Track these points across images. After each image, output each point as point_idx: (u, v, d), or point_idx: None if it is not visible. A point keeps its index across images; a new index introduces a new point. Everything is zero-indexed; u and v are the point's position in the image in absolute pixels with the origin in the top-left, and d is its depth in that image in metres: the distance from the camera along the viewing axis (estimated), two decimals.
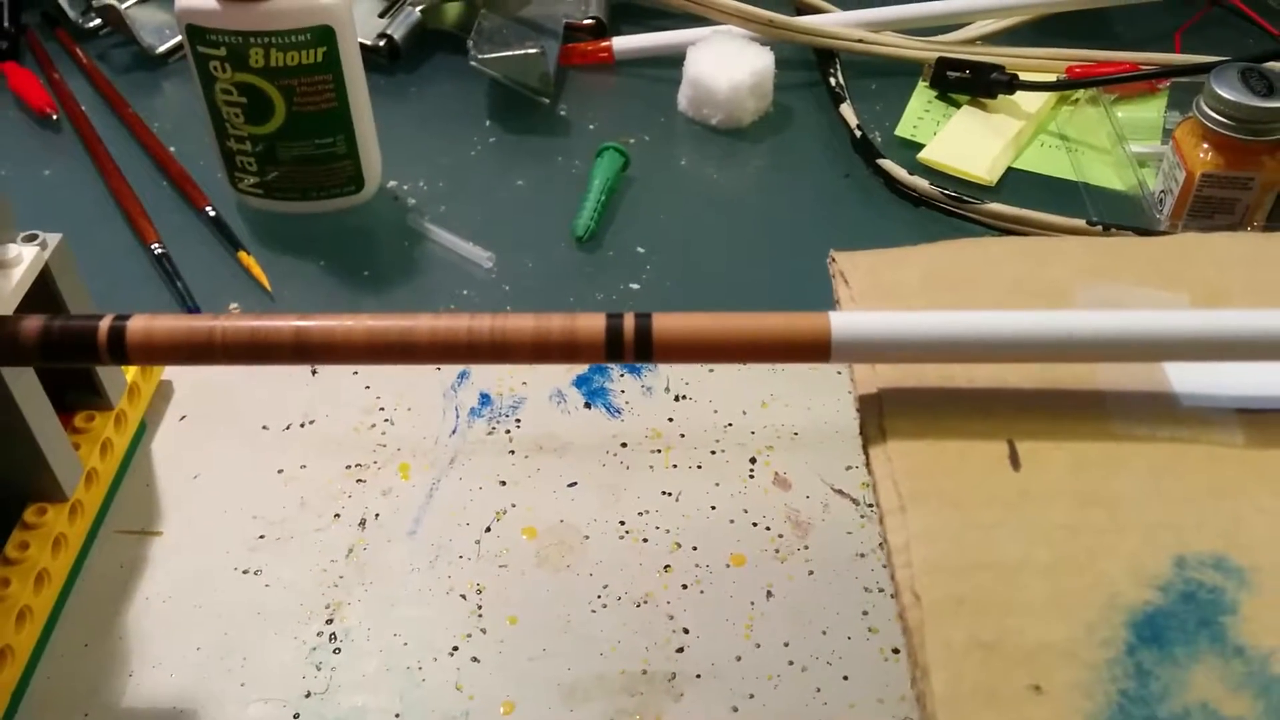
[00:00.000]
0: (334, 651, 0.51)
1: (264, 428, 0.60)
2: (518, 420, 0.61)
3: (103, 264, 0.70)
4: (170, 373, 0.62)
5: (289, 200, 0.73)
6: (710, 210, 0.76)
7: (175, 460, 0.59)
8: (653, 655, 0.51)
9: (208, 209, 0.73)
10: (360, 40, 0.84)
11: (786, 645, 0.51)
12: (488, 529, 0.55)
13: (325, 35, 0.66)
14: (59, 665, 0.50)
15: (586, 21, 0.89)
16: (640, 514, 0.56)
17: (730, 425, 0.60)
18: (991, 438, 0.42)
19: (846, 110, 0.81)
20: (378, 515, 0.56)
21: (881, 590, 0.53)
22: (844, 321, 0.42)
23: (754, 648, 0.51)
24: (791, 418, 0.60)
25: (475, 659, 0.51)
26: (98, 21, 0.90)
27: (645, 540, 0.55)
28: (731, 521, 0.56)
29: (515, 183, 0.78)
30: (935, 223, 0.73)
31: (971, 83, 0.81)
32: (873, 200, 0.76)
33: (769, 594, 0.53)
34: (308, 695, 0.49)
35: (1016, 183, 0.77)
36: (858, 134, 0.79)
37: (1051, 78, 0.81)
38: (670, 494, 0.57)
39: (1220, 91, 0.65)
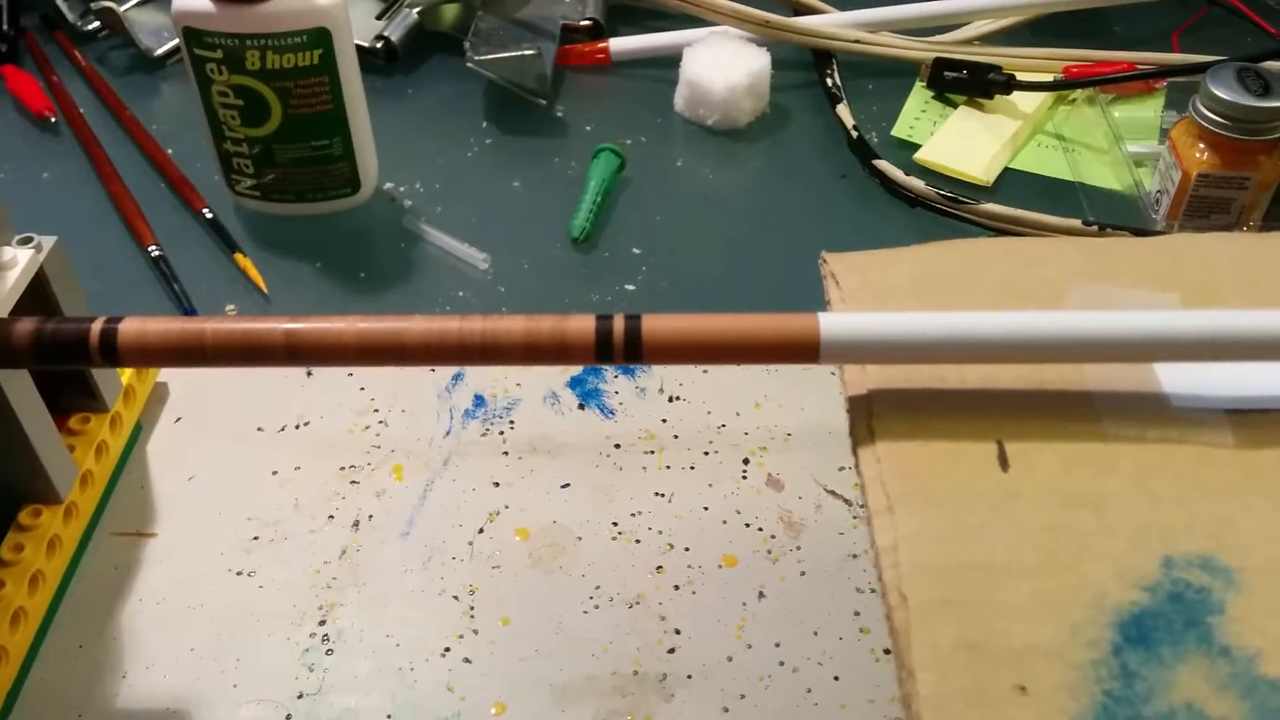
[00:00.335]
0: (326, 653, 0.51)
1: (259, 429, 0.60)
2: (511, 422, 0.61)
3: (101, 266, 0.70)
4: (166, 375, 0.62)
5: (286, 202, 0.73)
6: (706, 211, 0.76)
7: (170, 462, 0.59)
8: (644, 656, 0.51)
9: (205, 211, 0.73)
10: (358, 42, 0.84)
11: (778, 646, 0.51)
12: (481, 530, 0.56)
13: (321, 37, 0.66)
14: (53, 666, 0.51)
15: (584, 23, 0.89)
16: (633, 515, 0.56)
17: (724, 426, 0.60)
18: (980, 438, 0.42)
19: (843, 111, 0.81)
20: (371, 516, 0.56)
21: (873, 591, 0.53)
22: (833, 323, 0.42)
23: (745, 648, 0.51)
24: (785, 419, 0.61)
25: (467, 660, 0.51)
26: (96, 24, 0.90)
27: (638, 541, 0.55)
28: (724, 522, 0.56)
29: (511, 184, 0.78)
30: (931, 223, 0.73)
31: (968, 83, 0.81)
32: (869, 201, 0.76)
33: (761, 595, 0.53)
34: (300, 696, 0.49)
35: (1013, 183, 0.77)
36: (854, 134, 0.79)
37: (1048, 78, 0.81)
38: (663, 495, 0.57)
39: (1216, 91, 0.65)
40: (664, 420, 0.61)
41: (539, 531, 0.56)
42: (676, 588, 0.53)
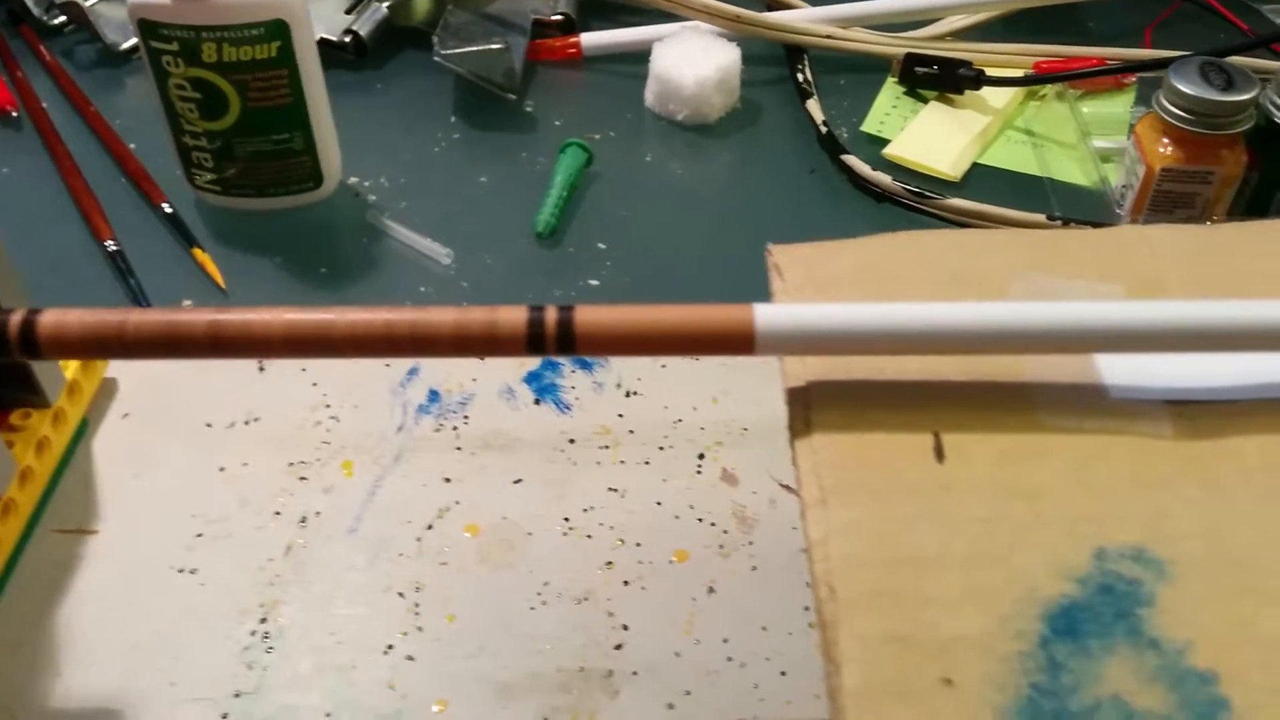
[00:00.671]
0: (266, 650, 0.50)
1: (208, 425, 0.60)
2: (466, 417, 0.60)
3: (58, 262, 0.70)
4: (114, 370, 0.62)
5: (246, 197, 0.72)
6: (674, 206, 0.75)
7: (116, 458, 0.58)
8: (590, 653, 0.50)
9: (164, 205, 0.73)
10: (326, 36, 0.84)
11: (726, 641, 0.50)
12: (429, 526, 0.55)
13: (279, 30, 0.66)
14: None
15: (555, 17, 0.89)
16: (585, 510, 0.56)
17: (680, 421, 0.60)
18: (918, 430, 0.41)
19: (813, 106, 0.81)
20: (319, 513, 0.56)
21: None
22: (768, 314, 0.41)
23: (693, 644, 0.50)
24: (742, 414, 0.60)
25: (410, 657, 0.50)
26: (62, 19, 0.89)
27: (589, 537, 0.55)
28: (677, 518, 0.55)
29: (478, 179, 0.77)
30: (898, 218, 0.73)
31: (939, 78, 0.81)
32: (837, 196, 0.75)
33: (711, 590, 0.52)
34: (237, 695, 0.49)
35: (982, 178, 0.76)
36: (823, 130, 0.78)
37: (1019, 73, 0.81)
38: (616, 490, 0.56)
39: (1179, 86, 0.64)
40: (620, 415, 0.60)
41: (489, 528, 0.55)
42: (626, 583, 0.53)
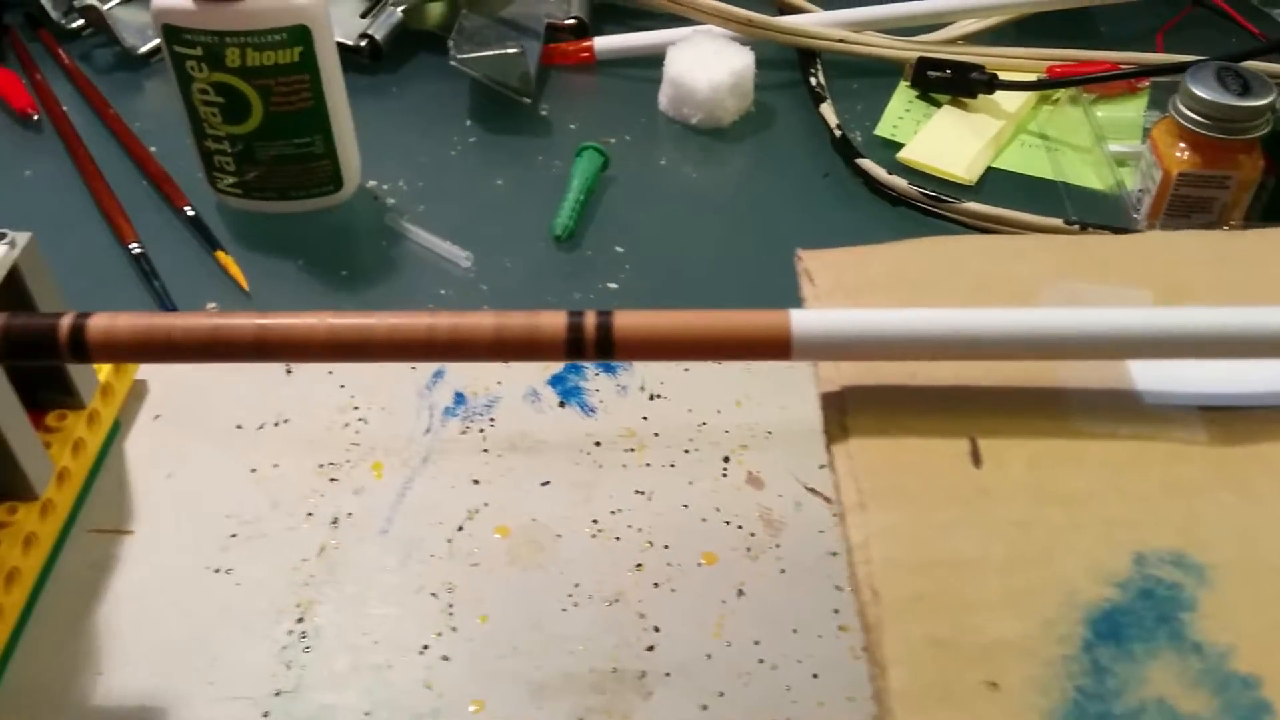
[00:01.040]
0: (304, 650, 0.51)
1: (238, 427, 0.60)
2: (492, 419, 0.61)
3: (82, 264, 0.70)
4: (145, 372, 0.62)
5: (268, 200, 0.73)
6: (689, 209, 0.76)
7: (149, 459, 0.59)
8: (622, 654, 0.51)
9: (186, 208, 0.73)
10: (342, 40, 0.84)
11: (757, 644, 0.51)
12: (460, 528, 0.56)
13: (301, 35, 0.66)
14: (30, 664, 0.50)
15: (568, 21, 0.89)
16: (613, 513, 0.56)
17: (704, 424, 0.60)
18: (954, 435, 0.42)
19: (826, 110, 0.81)
20: (350, 514, 0.56)
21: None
22: (804, 319, 0.42)
23: (724, 646, 0.51)
24: (766, 417, 0.60)
25: (445, 657, 0.51)
26: (80, 22, 0.90)
27: (617, 539, 0.55)
28: (704, 520, 0.56)
29: (495, 182, 0.78)
30: (913, 222, 0.73)
31: (952, 82, 0.81)
32: (852, 200, 0.76)
33: (740, 592, 0.53)
34: (277, 694, 0.49)
35: (996, 182, 0.77)
36: (837, 133, 0.79)
37: (1032, 77, 0.81)
38: (643, 493, 0.57)
39: (1196, 90, 0.65)
40: (645, 418, 0.61)
41: (518, 529, 0.56)
42: (656, 585, 0.53)
